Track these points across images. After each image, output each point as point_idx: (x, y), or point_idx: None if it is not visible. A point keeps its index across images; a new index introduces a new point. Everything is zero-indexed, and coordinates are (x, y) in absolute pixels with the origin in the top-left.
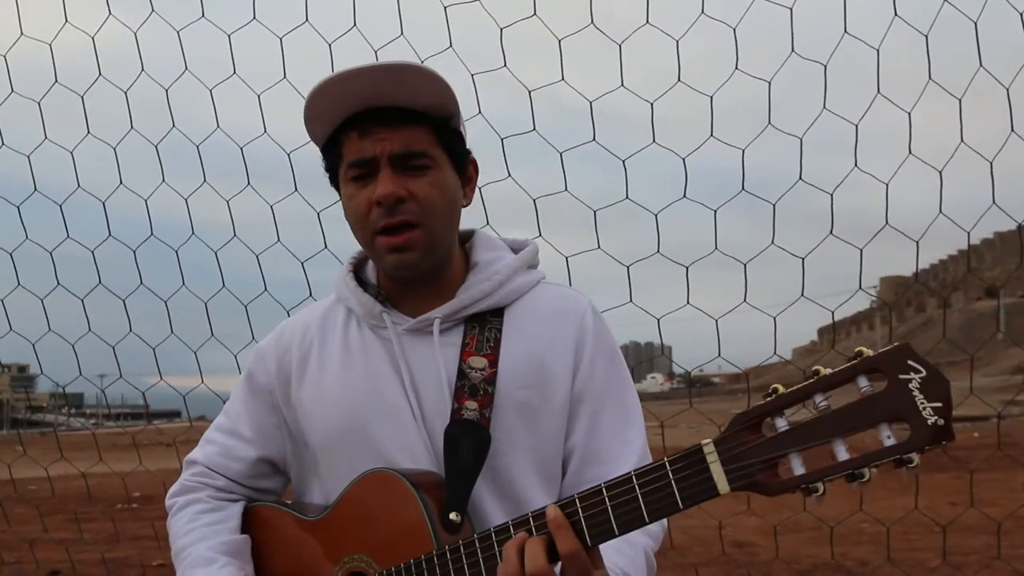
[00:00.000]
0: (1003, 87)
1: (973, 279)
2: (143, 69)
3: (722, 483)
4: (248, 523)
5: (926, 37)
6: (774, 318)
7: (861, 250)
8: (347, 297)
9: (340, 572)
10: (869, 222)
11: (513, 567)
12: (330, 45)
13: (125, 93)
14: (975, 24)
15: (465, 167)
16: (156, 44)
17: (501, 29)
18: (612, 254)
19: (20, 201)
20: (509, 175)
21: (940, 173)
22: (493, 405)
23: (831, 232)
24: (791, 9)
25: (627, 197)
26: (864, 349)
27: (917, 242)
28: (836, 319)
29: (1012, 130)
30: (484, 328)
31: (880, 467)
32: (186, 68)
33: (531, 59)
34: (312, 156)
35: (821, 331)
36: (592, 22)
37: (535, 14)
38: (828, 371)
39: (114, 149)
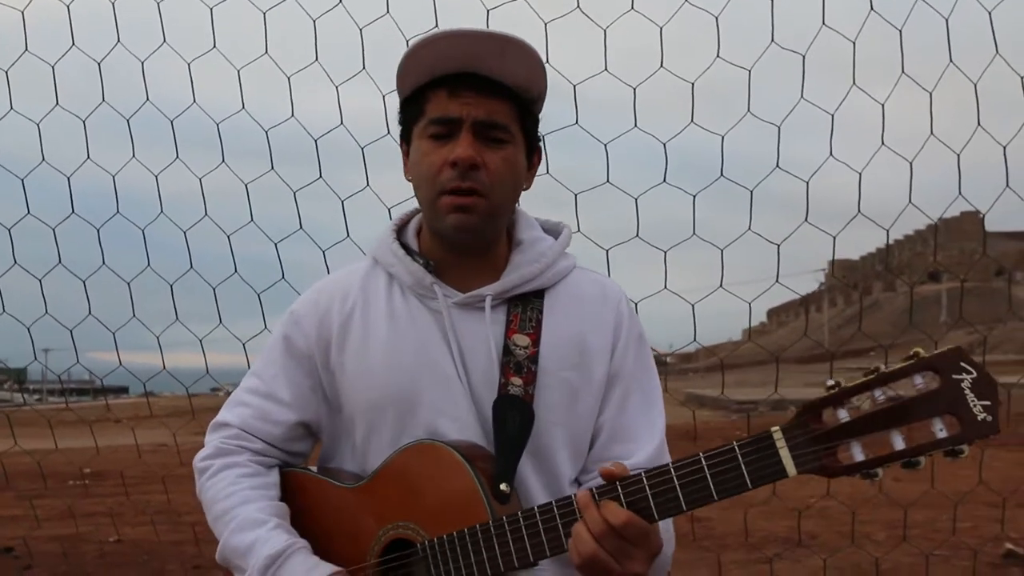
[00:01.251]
0: (971, 82)
1: (917, 263)
2: (119, 40)
3: (790, 466)
4: (283, 489)
5: (900, 31)
6: (750, 304)
7: (835, 237)
8: (392, 264)
9: (383, 539)
10: (832, 207)
11: (600, 523)
12: (315, 21)
13: (99, 64)
14: (946, 20)
15: (533, 153)
16: (134, 14)
17: (488, 11)
18: (592, 237)
19: None
20: None
21: (911, 164)
22: (536, 384)
23: (806, 219)
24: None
25: (608, 181)
26: (920, 350)
27: (887, 230)
28: (783, 300)
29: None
30: (527, 308)
31: (931, 456)
32: (164, 40)
33: None
34: (290, 132)
35: (770, 312)
36: (578, 6)
37: None
38: (887, 368)
39: (83, 122)
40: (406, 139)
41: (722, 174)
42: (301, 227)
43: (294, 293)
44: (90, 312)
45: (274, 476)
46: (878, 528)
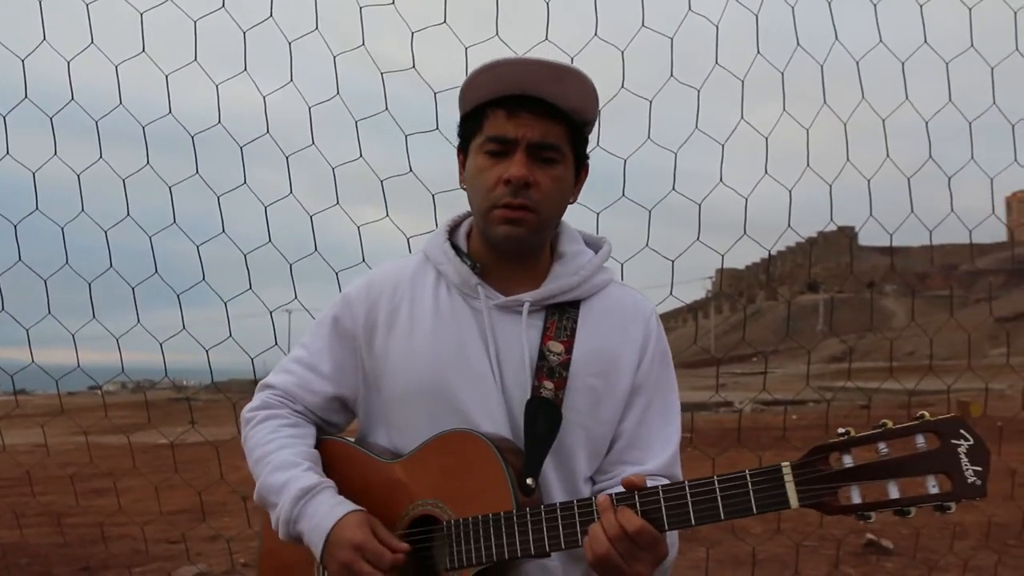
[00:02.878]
0: (841, 122)
1: (798, 274)
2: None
3: (793, 499)
4: (323, 454)
5: (782, 74)
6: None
7: (723, 255)
8: (442, 262)
9: (412, 512)
10: (721, 219)
11: (615, 527)
12: (245, 33)
13: (23, 61)
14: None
15: (581, 169)
16: (61, 17)
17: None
18: None
19: None
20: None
21: (790, 192)
22: (566, 388)
23: (698, 238)
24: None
25: None
26: (926, 413)
27: (770, 251)
28: (672, 307)
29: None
30: (563, 316)
31: (921, 507)
32: (92, 42)
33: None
34: (216, 138)
35: (662, 317)
36: (497, 33)
37: None
38: (894, 426)
39: (3, 118)
40: (463, 150)
41: (623, 194)
42: (175, 222)
43: (168, 289)
44: (3, 308)
45: (312, 430)
46: (755, 522)
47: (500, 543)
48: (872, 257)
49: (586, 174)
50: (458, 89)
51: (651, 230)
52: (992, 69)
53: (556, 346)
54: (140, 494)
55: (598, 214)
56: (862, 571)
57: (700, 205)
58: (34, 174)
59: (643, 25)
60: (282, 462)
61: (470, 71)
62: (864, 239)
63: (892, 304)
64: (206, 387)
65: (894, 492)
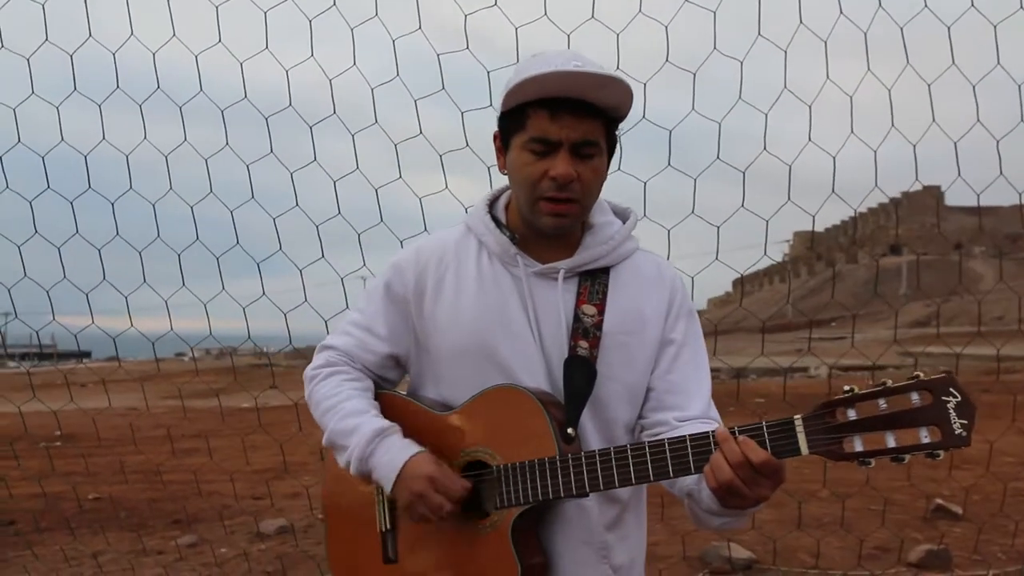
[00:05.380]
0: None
1: (880, 236)
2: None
3: (804, 448)
4: (380, 404)
5: (865, 34)
6: (692, 278)
7: (814, 216)
8: (483, 233)
9: (464, 458)
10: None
11: (737, 455)
12: (311, 21)
13: (114, 55)
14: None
15: (613, 154)
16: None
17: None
18: None
19: None
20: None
21: (875, 152)
22: (600, 346)
23: (788, 199)
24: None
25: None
26: (920, 374)
27: (856, 210)
28: (749, 271)
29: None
30: (595, 282)
31: (914, 455)
32: (174, 34)
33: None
34: (287, 119)
35: (735, 283)
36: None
37: None
38: (892, 384)
39: (99, 107)
40: (503, 142)
41: (718, 156)
42: (253, 196)
43: (249, 260)
44: (64, 276)
45: (371, 383)
46: (820, 486)
47: (544, 484)
48: (959, 218)
49: (614, 150)
50: (510, 67)
51: (746, 192)
52: None
53: (589, 309)
54: (227, 453)
55: (695, 180)
56: (928, 535)
57: (791, 167)
58: (127, 156)
59: None
60: (352, 409)
61: (516, 69)
62: (951, 199)
63: (980, 267)
64: (286, 352)
65: (891, 442)
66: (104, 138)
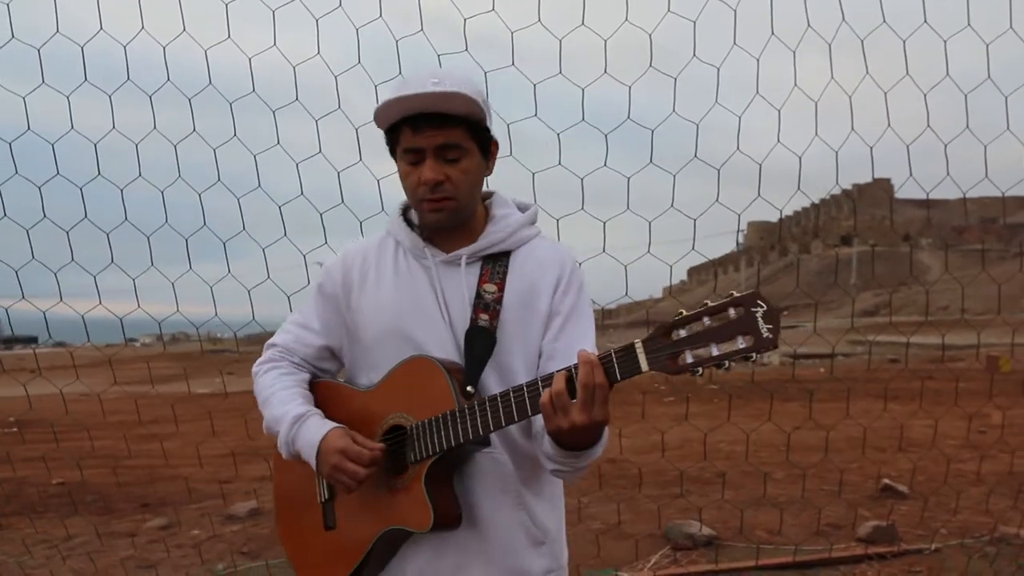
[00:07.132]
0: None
1: (832, 227)
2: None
3: (644, 364)
4: (314, 391)
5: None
6: (670, 266)
7: (781, 211)
8: (398, 233)
9: (385, 425)
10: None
11: (560, 386)
12: (274, 12)
13: (125, 48)
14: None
15: (488, 149)
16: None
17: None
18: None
19: None
20: None
21: (836, 154)
22: (500, 318)
23: (759, 195)
24: None
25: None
26: (734, 292)
27: (813, 202)
28: (703, 261)
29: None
30: (496, 264)
31: (736, 361)
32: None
33: None
34: (251, 104)
35: (691, 271)
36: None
37: None
38: (712, 303)
39: (109, 97)
40: (393, 156)
41: (696, 155)
42: (219, 179)
43: (216, 242)
44: (33, 257)
45: (305, 375)
46: (779, 468)
47: (447, 434)
48: (908, 210)
49: (496, 148)
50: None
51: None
52: None
53: (490, 287)
54: (189, 439)
55: (675, 176)
56: (877, 512)
57: (761, 165)
58: (96, 144)
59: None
60: (281, 399)
61: (380, 100)
62: (901, 192)
63: (928, 259)
64: (241, 339)
65: (715, 351)
66: (72, 127)
